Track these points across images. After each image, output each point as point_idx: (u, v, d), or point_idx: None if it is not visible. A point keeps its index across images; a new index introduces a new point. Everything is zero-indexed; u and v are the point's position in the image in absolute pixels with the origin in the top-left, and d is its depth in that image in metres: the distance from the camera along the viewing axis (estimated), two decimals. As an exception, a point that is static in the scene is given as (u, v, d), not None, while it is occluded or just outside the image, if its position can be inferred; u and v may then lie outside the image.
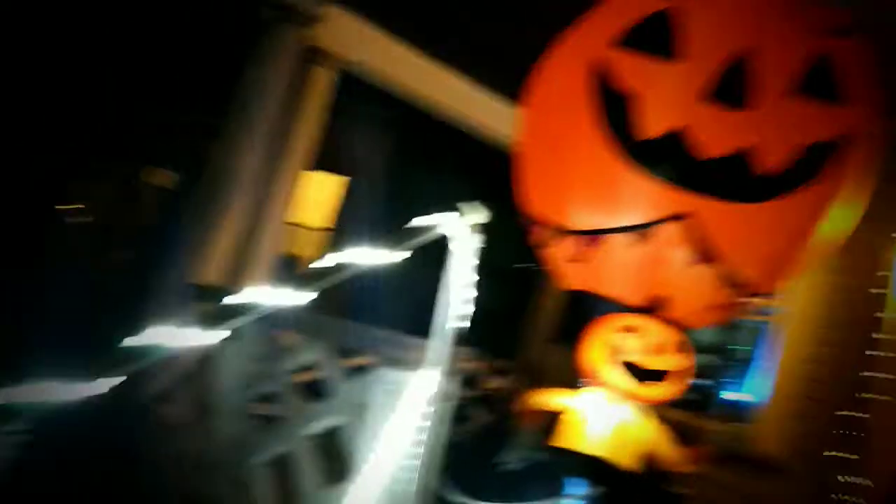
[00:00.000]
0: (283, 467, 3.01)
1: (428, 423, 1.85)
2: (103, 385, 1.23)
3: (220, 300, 1.48)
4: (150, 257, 4.92)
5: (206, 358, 3.92)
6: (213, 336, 1.45)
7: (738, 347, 7.56)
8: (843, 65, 2.85)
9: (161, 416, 4.12)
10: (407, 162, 8.32)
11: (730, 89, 2.73)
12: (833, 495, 3.86)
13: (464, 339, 2.30)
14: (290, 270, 7.28)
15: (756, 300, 3.25)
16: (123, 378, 1.28)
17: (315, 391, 3.37)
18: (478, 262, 2.11)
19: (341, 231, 8.01)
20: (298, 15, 4.92)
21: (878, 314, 4.29)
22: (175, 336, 1.35)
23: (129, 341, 1.29)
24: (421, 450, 1.84)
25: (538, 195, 3.44)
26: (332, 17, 5.29)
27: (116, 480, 3.36)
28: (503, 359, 7.33)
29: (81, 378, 1.20)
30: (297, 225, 7.86)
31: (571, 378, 3.10)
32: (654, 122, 2.81)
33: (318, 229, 8.39)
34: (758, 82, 2.73)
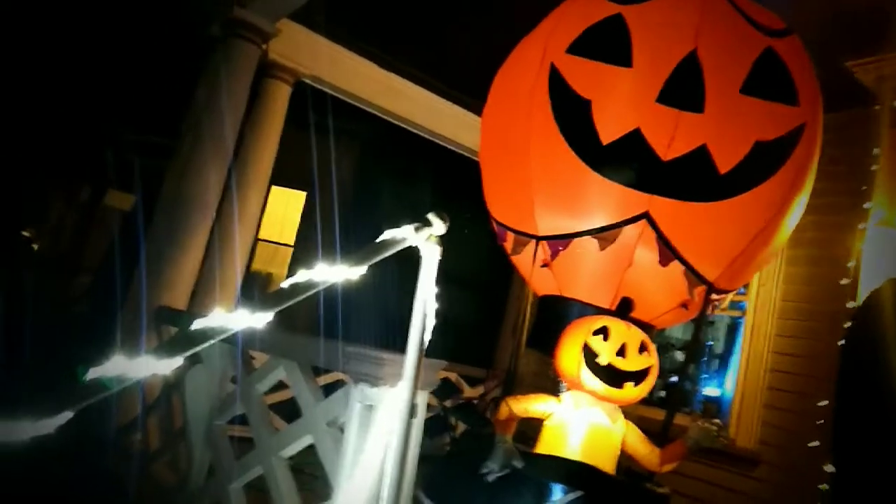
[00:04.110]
0: (260, 490, 2.95)
1: (405, 438, 1.82)
2: (66, 418, 1.17)
3: (187, 324, 1.44)
4: (113, 283, 4.80)
5: (175, 384, 3.83)
6: (181, 362, 1.41)
7: (711, 343, 7.68)
8: (785, 64, 2.92)
9: (130, 446, 4.01)
10: (370, 174, 8.29)
11: (683, 92, 2.78)
12: (818, 486, 3.89)
13: (438, 349, 2.28)
14: (257, 289, 7.18)
15: (723, 297, 3.30)
16: (88, 410, 1.23)
17: (288, 411, 3.30)
18: (448, 272, 2.10)
19: (306, 247, 7.95)
20: (251, 30, 4.87)
21: (849, 304, 4.33)
22: (141, 364, 1.30)
23: (93, 371, 1.23)
24: (399, 465, 1.81)
25: (502, 202, 3.45)
26: (287, 31, 5.26)
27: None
28: (480, 367, 7.33)
29: (43, 412, 1.15)
30: (261, 241, 7.78)
31: (549, 383, 3.10)
32: (610, 127, 2.84)
33: (283, 245, 8.31)
34: (709, 84, 2.78)
